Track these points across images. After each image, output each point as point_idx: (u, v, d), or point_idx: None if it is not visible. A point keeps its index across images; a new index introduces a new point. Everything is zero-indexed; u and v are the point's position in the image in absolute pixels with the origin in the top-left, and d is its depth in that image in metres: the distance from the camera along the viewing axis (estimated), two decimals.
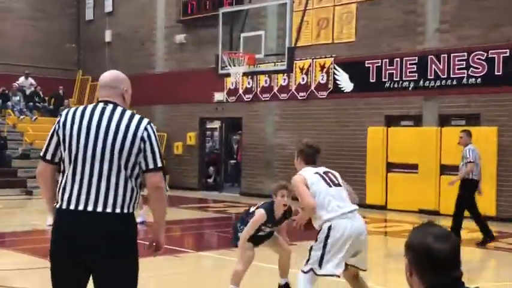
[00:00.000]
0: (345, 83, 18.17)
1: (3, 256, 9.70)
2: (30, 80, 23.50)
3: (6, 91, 22.76)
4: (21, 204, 17.36)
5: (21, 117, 22.35)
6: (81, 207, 3.62)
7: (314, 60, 18.73)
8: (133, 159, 3.70)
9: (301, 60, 18.46)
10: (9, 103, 22.58)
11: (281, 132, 19.61)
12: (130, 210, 3.70)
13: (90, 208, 3.61)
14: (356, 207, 5.88)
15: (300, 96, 19.12)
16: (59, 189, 3.72)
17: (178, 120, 22.53)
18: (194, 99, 21.84)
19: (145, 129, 3.73)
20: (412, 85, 16.78)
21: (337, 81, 18.33)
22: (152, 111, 23.10)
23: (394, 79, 17.10)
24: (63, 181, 3.71)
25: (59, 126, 3.79)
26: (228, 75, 17.30)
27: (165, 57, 23.30)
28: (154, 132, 3.78)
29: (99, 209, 3.61)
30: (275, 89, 19.73)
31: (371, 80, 17.51)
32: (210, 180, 22.27)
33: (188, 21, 22.17)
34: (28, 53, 23.98)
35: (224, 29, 16.91)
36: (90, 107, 3.80)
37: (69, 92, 24.82)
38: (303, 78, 19.01)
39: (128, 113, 3.78)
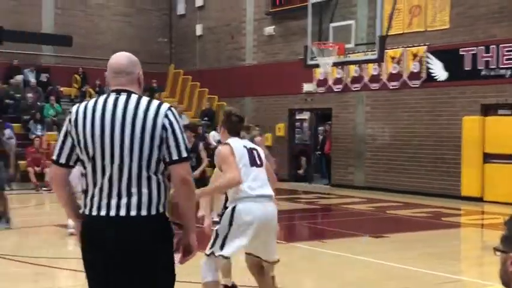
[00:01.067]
0: (439, 71, 17.66)
1: None
2: None
3: (103, 86, 23.52)
4: None
5: None
6: (103, 213, 3.24)
7: (406, 48, 18.31)
8: (156, 151, 3.26)
9: (392, 49, 18.08)
10: None
11: (372, 123, 19.32)
12: (161, 210, 3.29)
13: (112, 213, 3.22)
14: (271, 193, 5.33)
15: (392, 86, 18.75)
16: (83, 192, 3.37)
17: (267, 111, 22.60)
18: (283, 91, 21.84)
19: (166, 115, 3.28)
20: (509, 73, 16.12)
21: (430, 70, 17.84)
22: (242, 103, 23.27)
23: (490, 67, 16.48)
24: (85, 184, 3.34)
25: (70, 125, 3.36)
26: (317, 66, 17.18)
27: (255, 50, 23.42)
28: (176, 118, 3.33)
29: (122, 212, 3.22)
30: (365, 79, 19.43)
31: (466, 68, 16.94)
32: (301, 172, 22.23)
33: (277, 13, 22.17)
34: (122, 48, 24.24)
35: (313, 20, 16.78)
36: (101, 99, 3.37)
37: (162, 85, 25.37)
38: (395, 68, 18.62)
39: (144, 100, 3.33)
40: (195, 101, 24.76)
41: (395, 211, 14.64)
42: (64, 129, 3.40)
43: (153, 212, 3.24)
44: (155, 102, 3.32)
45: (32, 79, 21.89)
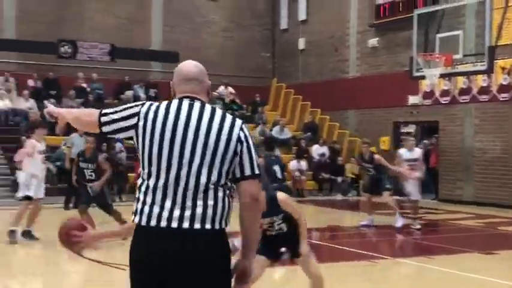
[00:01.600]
0: None
1: None
2: (230, 89, 24.58)
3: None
4: None
5: None
6: (163, 224, 2.99)
7: None
8: (227, 164, 3.07)
9: (502, 59, 17.42)
10: None
11: (481, 136, 18.65)
12: (223, 226, 3.06)
13: (174, 224, 2.98)
14: None
15: (502, 98, 18.05)
16: (137, 200, 3.09)
17: (371, 124, 22.31)
18: (387, 103, 21.50)
19: (241, 129, 3.12)
20: None
21: None
22: (345, 116, 23.11)
23: None
24: (143, 189, 3.08)
25: (139, 117, 3.13)
26: (423, 77, 16.81)
27: (358, 62, 23.22)
28: (249, 134, 3.17)
29: (186, 225, 2.98)
30: (474, 91, 18.80)
31: None
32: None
33: (381, 25, 21.90)
34: (226, 62, 25.12)
35: (418, 31, 16.47)
36: (175, 102, 3.17)
37: (265, 99, 25.60)
38: (505, 79, 17.92)
39: (219, 111, 3.16)
40: (298, 114, 24.81)
41: (506, 227, 14.03)
42: (131, 111, 3.16)
43: (217, 226, 3.02)
44: (230, 116, 3.16)
45: (142, 94, 22.65)
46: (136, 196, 3.10)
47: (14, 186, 16.61)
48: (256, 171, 3.11)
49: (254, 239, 3.20)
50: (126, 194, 18.05)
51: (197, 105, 3.14)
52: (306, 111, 24.44)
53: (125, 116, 3.16)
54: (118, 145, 19.12)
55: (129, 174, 18.49)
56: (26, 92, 20.62)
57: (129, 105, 3.23)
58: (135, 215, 3.07)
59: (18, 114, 20.03)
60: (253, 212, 3.12)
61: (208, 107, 3.15)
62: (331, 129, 23.69)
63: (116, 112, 3.19)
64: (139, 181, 3.12)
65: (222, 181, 3.06)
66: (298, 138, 22.53)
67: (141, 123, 3.10)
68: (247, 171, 3.10)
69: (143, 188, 3.07)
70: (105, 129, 3.19)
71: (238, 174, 3.10)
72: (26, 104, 20.39)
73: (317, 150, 21.79)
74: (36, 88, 21.32)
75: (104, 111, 3.23)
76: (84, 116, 3.37)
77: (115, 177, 17.80)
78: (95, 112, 3.26)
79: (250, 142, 3.13)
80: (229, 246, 3.08)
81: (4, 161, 18.53)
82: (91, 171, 11.13)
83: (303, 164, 20.57)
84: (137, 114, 3.13)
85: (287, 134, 22.84)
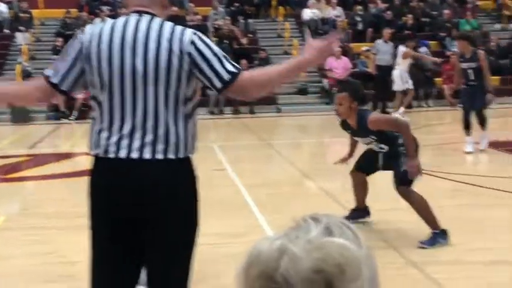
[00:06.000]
0: None
1: None
2: None
3: None
4: None
5: None
6: (123, 155, 2.72)
7: None
8: (185, 82, 2.75)
9: None
10: None
11: None
12: (188, 154, 2.79)
13: (135, 155, 2.71)
14: None
15: None
16: (92, 131, 2.82)
17: None
18: None
19: (192, 41, 2.75)
20: None
21: None
22: None
23: None
24: (97, 120, 2.80)
25: (81, 45, 2.80)
26: None
27: None
28: (204, 41, 2.79)
29: (147, 155, 2.71)
30: None
31: None
32: None
33: None
34: None
35: None
36: (120, 20, 2.84)
37: None
38: None
39: (168, 24, 2.82)
40: None
41: None
42: (71, 47, 2.85)
43: (181, 155, 2.75)
44: (179, 27, 2.81)
45: None
46: (91, 126, 2.86)
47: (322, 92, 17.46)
48: (227, 78, 2.76)
49: (283, 77, 2.90)
50: (433, 100, 17.79)
51: (145, 19, 2.82)
52: None
53: (70, 60, 2.83)
54: (423, 49, 18.78)
55: (436, 79, 18.12)
56: (334, 0, 21.15)
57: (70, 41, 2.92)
58: (90, 147, 2.83)
59: (326, 22, 20.72)
60: (265, 92, 2.95)
61: (157, 21, 2.82)
62: None
63: (65, 68, 2.86)
64: (93, 109, 2.88)
65: (181, 102, 2.77)
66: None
67: (84, 51, 2.80)
68: (218, 84, 2.77)
69: (96, 117, 2.82)
70: (56, 79, 2.85)
71: (217, 85, 2.77)
72: (334, 12, 20.96)
73: None
74: None
75: (50, 76, 2.89)
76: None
77: (422, 83, 17.65)
78: None
79: (206, 50, 2.76)
80: (193, 176, 2.81)
81: (314, 69, 19.46)
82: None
83: None
84: (80, 42, 2.82)
85: None
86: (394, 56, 16.83)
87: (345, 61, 18.05)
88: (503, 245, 5.46)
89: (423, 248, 5.34)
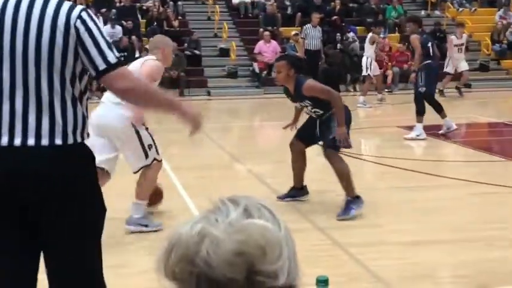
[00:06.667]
0: None
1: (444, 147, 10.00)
2: None
3: None
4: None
5: (460, 9, 22.21)
6: (4, 142, 2.55)
7: None
8: (70, 61, 2.57)
9: None
10: None
11: None
12: (78, 140, 2.61)
13: (17, 142, 2.54)
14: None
15: None
16: None
17: None
18: None
19: (79, 17, 2.58)
20: None
21: None
22: None
23: None
24: None
25: None
26: None
27: None
28: (93, 20, 2.63)
29: (31, 141, 2.53)
30: None
31: None
32: None
33: None
34: None
35: None
36: None
37: None
38: None
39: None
40: None
41: None
42: None
43: (70, 141, 2.58)
44: (67, 3, 2.63)
45: None
46: None
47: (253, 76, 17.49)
48: (111, 60, 2.59)
49: (158, 102, 2.80)
50: (360, 84, 18.12)
51: None
52: None
53: None
54: (350, 35, 19.05)
55: None
56: None
57: None
58: None
59: (256, 6, 20.72)
60: (134, 101, 2.86)
61: None
62: None
63: None
64: None
65: (67, 84, 2.58)
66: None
67: None
68: (100, 65, 2.58)
69: None
70: None
71: (93, 72, 2.60)
72: None
73: None
74: None
75: None
76: None
77: (349, 68, 17.91)
78: None
79: (94, 29, 2.59)
80: (88, 162, 2.68)
81: (244, 52, 19.45)
82: None
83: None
84: None
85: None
86: (323, 41, 17.01)
87: (274, 45, 18.13)
88: (426, 225, 5.65)
89: (342, 220, 5.73)
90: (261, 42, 18.08)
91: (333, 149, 5.86)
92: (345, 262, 4.82)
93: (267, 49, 17.84)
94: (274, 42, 18.21)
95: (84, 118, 2.66)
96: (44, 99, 2.55)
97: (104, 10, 18.76)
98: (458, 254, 4.94)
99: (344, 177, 5.82)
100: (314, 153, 6.66)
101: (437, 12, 22.03)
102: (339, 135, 5.73)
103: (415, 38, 10.12)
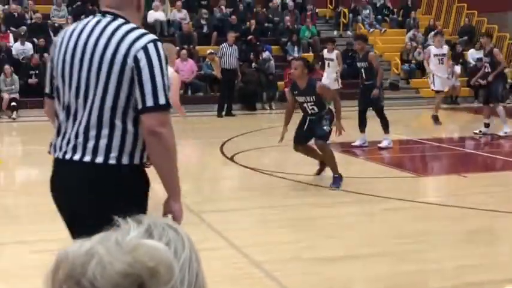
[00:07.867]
0: None
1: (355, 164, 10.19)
2: None
3: (357, 6, 23.36)
4: None
5: (371, 30, 22.84)
6: (60, 155, 2.76)
7: None
8: (126, 90, 2.65)
9: None
10: (359, 17, 23.18)
11: None
12: (123, 162, 2.71)
13: (68, 156, 2.72)
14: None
15: None
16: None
17: None
18: None
19: (144, 48, 2.62)
20: None
21: None
22: (504, 19, 21.59)
23: None
24: (57, 122, 2.85)
25: (54, 50, 2.84)
26: None
27: None
28: (159, 54, 2.63)
29: (77, 156, 2.70)
30: None
31: None
32: None
33: None
34: None
35: None
36: (82, 23, 2.79)
37: (417, 2, 24.46)
38: None
39: (127, 27, 2.69)
40: (453, 17, 23.54)
41: None
42: (50, 59, 2.90)
43: (112, 161, 2.67)
44: (137, 31, 2.67)
45: (290, 1, 22.44)
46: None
47: None
48: (161, 101, 2.61)
49: (168, 176, 2.78)
50: (275, 102, 18.28)
51: (104, 21, 2.71)
52: (462, 13, 23.11)
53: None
54: (266, 54, 19.25)
55: (279, 83, 18.62)
56: (179, 2, 21.10)
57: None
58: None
59: (172, 25, 20.63)
60: (154, 147, 2.68)
61: (115, 24, 2.69)
62: (489, 32, 22.30)
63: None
64: None
65: (121, 110, 2.66)
66: (453, 43, 21.47)
67: (52, 55, 2.85)
68: (148, 102, 2.60)
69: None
70: (47, 89, 2.93)
71: (139, 105, 2.62)
72: (179, 14, 20.92)
73: (473, 55, 20.67)
74: None
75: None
76: None
77: (265, 86, 18.06)
78: None
79: (155, 64, 2.61)
80: (133, 184, 2.76)
81: None
82: None
83: (458, 69, 19.64)
84: (54, 46, 2.86)
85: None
86: (239, 59, 17.07)
87: (190, 63, 18.09)
88: (340, 241, 5.71)
89: (335, 189, 7.54)
90: (177, 61, 17.98)
91: (322, 139, 7.62)
92: (260, 280, 4.79)
93: (184, 67, 17.77)
94: (191, 61, 18.17)
95: (134, 141, 2.70)
96: (92, 121, 2.68)
97: (13, 28, 18.24)
98: (373, 268, 5.01)
99: (331, 160, 7.69)
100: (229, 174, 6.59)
101: (349, 33, 22.58)
102: (339, 128, 7.63)
103: (373, 56, 10.57)
